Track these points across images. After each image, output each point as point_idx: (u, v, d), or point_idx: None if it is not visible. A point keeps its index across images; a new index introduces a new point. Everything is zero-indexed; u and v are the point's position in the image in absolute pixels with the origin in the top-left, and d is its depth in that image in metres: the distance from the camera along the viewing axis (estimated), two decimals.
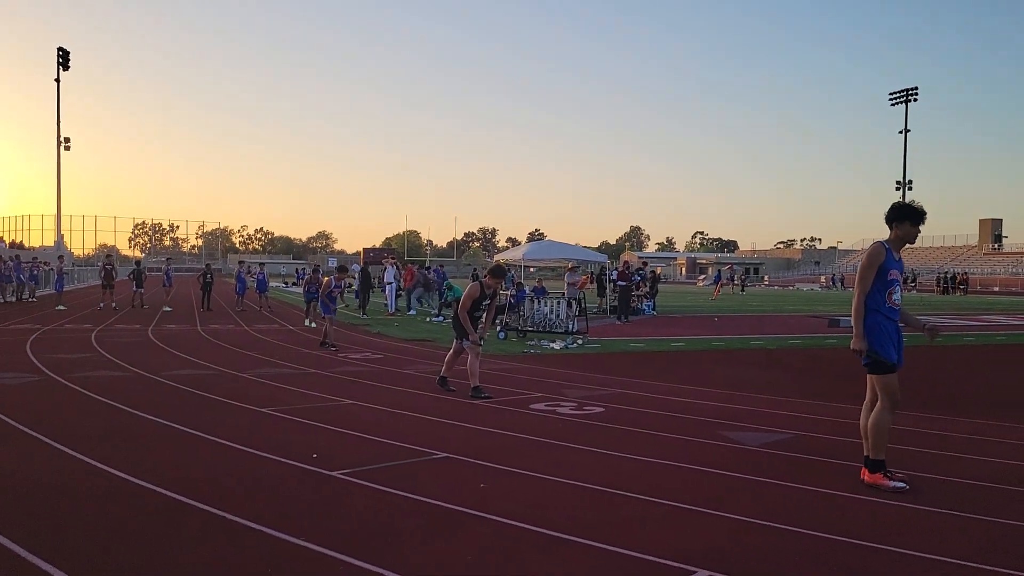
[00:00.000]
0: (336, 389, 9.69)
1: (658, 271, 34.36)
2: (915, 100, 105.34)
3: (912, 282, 71.64)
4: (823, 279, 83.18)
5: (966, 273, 68.34)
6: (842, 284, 75.06)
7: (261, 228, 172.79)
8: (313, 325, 19.60)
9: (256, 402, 8.61)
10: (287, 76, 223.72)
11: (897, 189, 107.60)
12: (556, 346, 15.45)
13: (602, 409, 8.51)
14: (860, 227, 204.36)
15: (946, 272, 67.97)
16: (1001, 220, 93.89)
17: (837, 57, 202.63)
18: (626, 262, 29.22)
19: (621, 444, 6.78)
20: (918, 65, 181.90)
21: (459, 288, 24.31)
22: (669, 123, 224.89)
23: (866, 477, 5.52)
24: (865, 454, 5.59)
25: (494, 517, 4.71)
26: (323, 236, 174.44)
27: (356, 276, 27.48)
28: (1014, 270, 79.46)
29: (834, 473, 5.91)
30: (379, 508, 4.89)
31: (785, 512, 4.90)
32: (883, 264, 5.49)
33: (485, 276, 9.65)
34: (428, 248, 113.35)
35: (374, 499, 5.07)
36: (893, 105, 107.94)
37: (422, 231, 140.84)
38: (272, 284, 34.32)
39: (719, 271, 56.43)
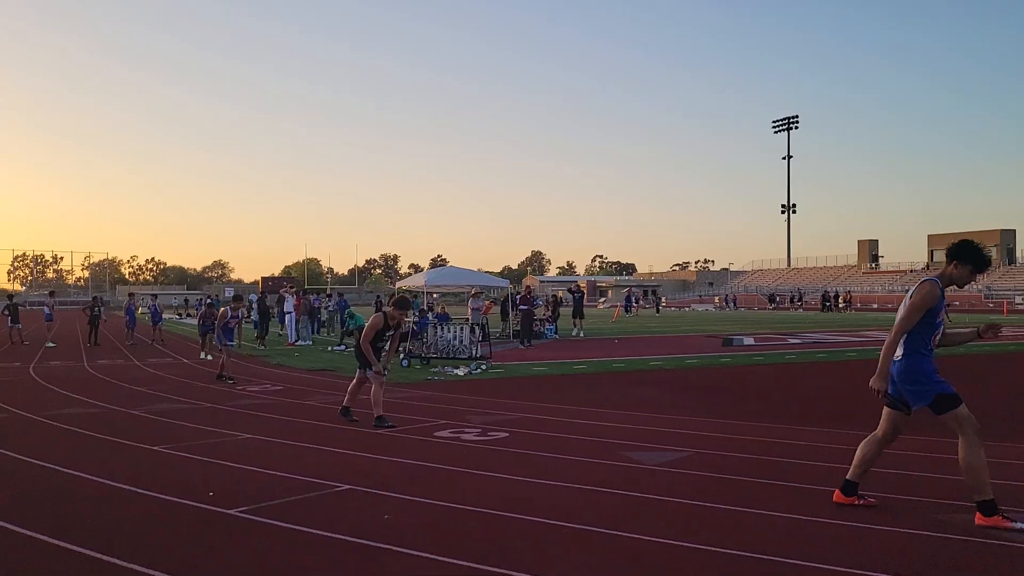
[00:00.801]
0: (234, 423, 9.41)
1: (559, 295, 34.81)
2: (796, 128, 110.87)
3: (798, 301, 75.05)
4: (717, 300, 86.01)
5: (849, 292, 72.03)
6: (735, 304, 77.82)
7: (152, 258, 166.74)
8: (209, 358, 18.98)
9: (149, 440, 8.27)
10: (174, 100, 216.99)
11: (782, 212, 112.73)
12: (460, 372, 15.44)
13: (507, 434, 8.55)
14: (750, 249, 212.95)
15: (828, 291, 71.45)
16: (877, 241, 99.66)
17: (722, 87, 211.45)
18: (528, 287, 29.53)
19: (526, 468, 6.84)
20: (798, 94, 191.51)
21: (361, 317, 24.03)
22: (566, 150, 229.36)
23: (981, 522, 5.04)
24: (847, 477, 5.56)
25: (400, 549, 4.67)
26: (219, 265, 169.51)
27: (253, 306, 26.82)
28: (890, 288, 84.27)
29: (732, 489, 6.12)
30: (280, 545, 4.78)
31: (686, 529, 5.05)
32: (935, 307, 5.21)
33: (389, 307, 9.59)
34: (329, 276, 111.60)
35: (275, 536, 4.95)
36: (776, 132, 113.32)
37: (322, 259, 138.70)
38: (164, 316, 32.96)
39: (629, 293, 58.30)
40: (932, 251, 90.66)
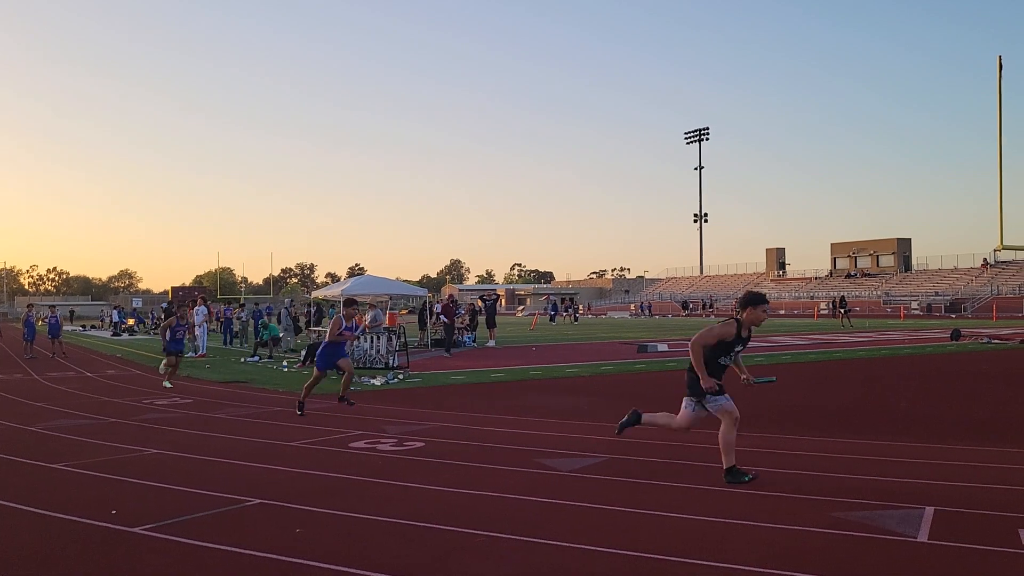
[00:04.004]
0: (139, 438, 9.09)
1: (477, 303, 34.85)
2: (707, 139, 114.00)
3: (710, 307, 77.11)
4: (632, 307, 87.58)
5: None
6: (649, 311, 79.37)
7: (54, 268, 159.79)
8: (168, 385, 15.54)
9: (47, 457, 7.91)
10: (76, 101, 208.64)
11: (695, 221, 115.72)
12: (376, 382, 15.29)
13: (422, 444, 8.52)
14: (665, 257, 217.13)
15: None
16: (784, 249, 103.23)
17: (638, 99, 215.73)
18: (450, 295, 29.49)
19: (442, 478, 6.82)
20: (710, 106, 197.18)
21: (275, 327, 23.59)
22: (485, 161, 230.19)
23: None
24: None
25: (311, 563, 4.60)
26: (126, 275, 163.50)
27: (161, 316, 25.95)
28: (796, 294, 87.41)
29: (646, 494, 6.24)
30: (185, 563, 4.64)
31: (601, 535, 5.13)
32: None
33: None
34: (243, 285, 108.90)
35: (180, 554, 4.80)
36: (688, 144, 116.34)
37: (236, 268, 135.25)
38: (68, 328, 31.56)
39: (554, 302, 59.22)
40: (835, 259, 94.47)
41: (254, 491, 6.34)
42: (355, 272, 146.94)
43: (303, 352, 20.05)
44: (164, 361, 15.37)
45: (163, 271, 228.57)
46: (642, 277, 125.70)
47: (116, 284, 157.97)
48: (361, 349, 16.94)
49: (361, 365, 16.74)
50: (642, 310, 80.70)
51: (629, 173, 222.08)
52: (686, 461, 7.50)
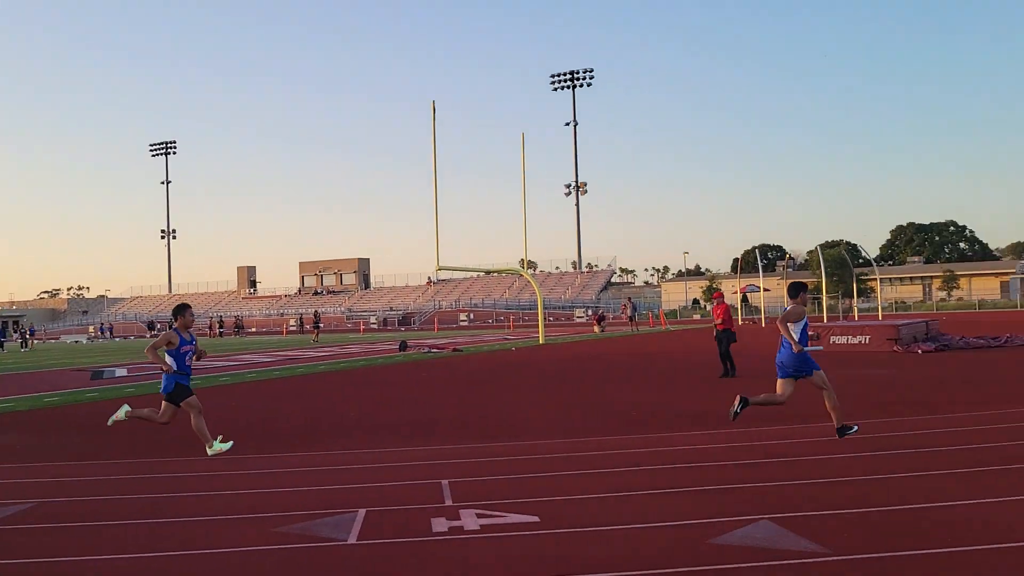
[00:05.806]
0: None
1: None
2: (174, 153, 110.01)
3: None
4: (91, 329, 79.90)
5: (240, 316, 74.25)
6: (111, 333, 73.27)
7: None
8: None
9: None
10: None
11: (162, 238, 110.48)
12: None
13: None
14: (131, 275, 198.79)
15: (215, 316, 72.39)
16: (255, 267, 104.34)
17: (98, 105, 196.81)
18: None
19: None
20: (177, 118, 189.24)
21: None
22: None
23: None
24: None
25: None
26: None
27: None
28: (267, 312, 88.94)
29: (76, 537, 5.83)
30: None
31: None
32: None
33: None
34: None
35: None
36: (154, 156, 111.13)
37: None
38: None
39: (3, 326, 51.59)
40: (303, 277, 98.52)
41: None
42: None
43: None
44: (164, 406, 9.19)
45: None
46: (104, 296, 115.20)
47: None
48: None
49: None
50: (103, 332, 74.06)
51: (87, 185, 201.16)
52: (129, 496, 7.17)
